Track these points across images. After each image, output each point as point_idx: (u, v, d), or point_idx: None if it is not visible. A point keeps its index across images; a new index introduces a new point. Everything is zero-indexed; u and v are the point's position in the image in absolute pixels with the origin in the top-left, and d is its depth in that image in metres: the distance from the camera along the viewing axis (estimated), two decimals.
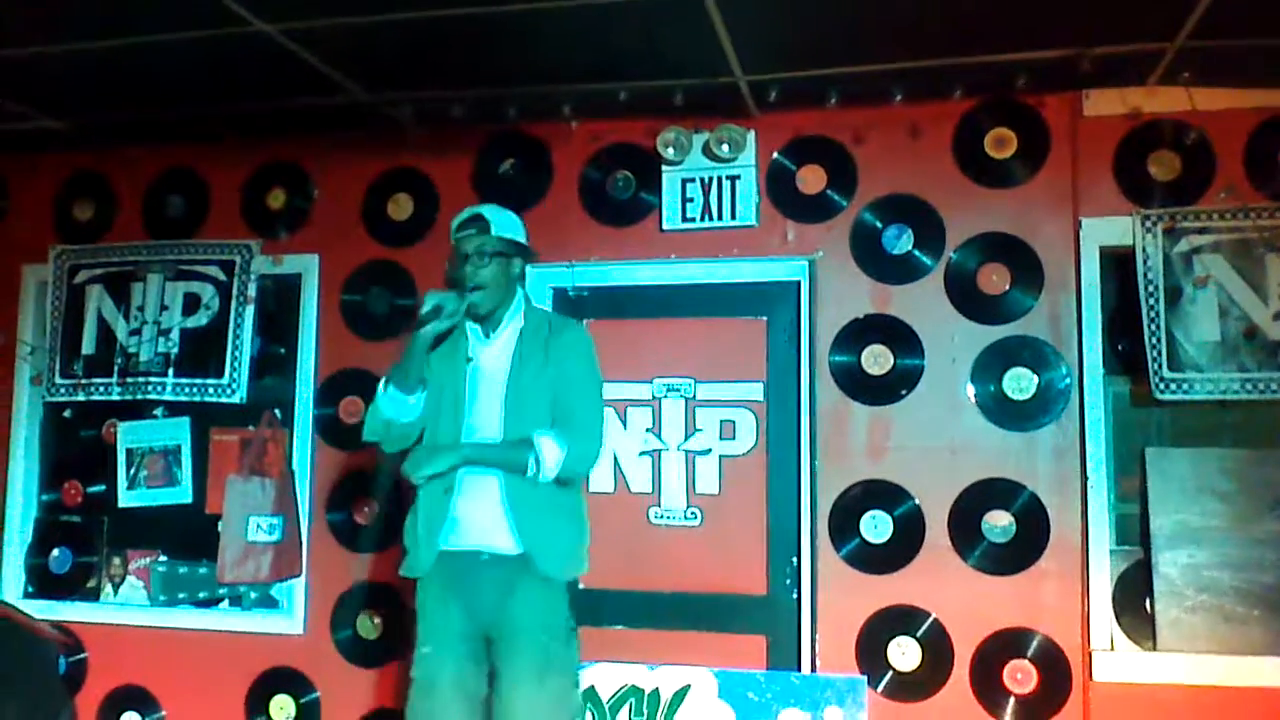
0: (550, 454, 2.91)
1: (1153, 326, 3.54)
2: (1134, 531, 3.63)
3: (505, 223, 3.12)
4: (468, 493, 2.98)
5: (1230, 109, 3.56)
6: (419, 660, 3.05)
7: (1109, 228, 3.63)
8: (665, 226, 3.95)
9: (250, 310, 4.26)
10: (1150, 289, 3.55)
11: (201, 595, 4.35)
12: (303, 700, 4.14)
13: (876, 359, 3.77)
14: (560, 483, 2.98)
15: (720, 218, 3.89)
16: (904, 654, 3.65)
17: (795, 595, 3.78)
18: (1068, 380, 3.62)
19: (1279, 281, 3.48)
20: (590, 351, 3.13)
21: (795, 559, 3.79)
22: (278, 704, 4.16)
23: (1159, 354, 3.52)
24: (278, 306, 4.35)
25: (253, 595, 4.27)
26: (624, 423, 3.98)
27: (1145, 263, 3.56)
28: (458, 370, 3.09)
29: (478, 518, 2.97)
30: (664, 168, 3.93)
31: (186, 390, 4.30)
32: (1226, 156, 3.57)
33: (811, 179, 3.87)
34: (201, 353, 4.29)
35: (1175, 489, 3.56)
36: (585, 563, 3.10)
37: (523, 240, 3.16)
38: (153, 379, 4.31)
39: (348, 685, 4.09)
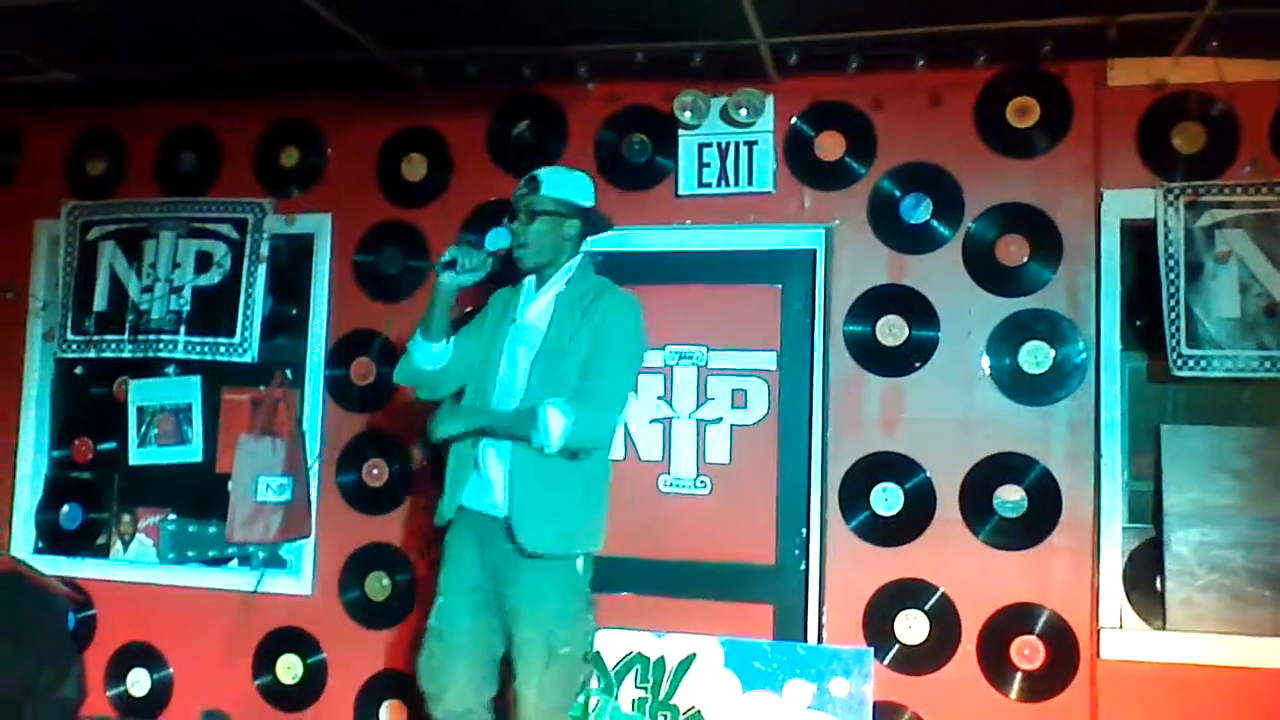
0: (555, 424, 2.87)
1: (1172, 302, 3.49)
2: (1146, 509, 3.60)
3: (559, 183, 3.13)
4: (490, 452, 3.02)
5: (1258, 81, 3.49)
6: (436, 609, 3.11)
7: (1130, 200, 3.57)
8: (681, 191, 3.90)
9: (262, 269, 4.24)
10: (1170, 264, 3.50)
11: (211, 554, 4.37)
12: (310, 661, 4.16)
13: (891, 329, 3.73)
14: (570, 454, 2.94)
15: (737, 183, 3.85)
16: (911, 627, 3.64)
17: (804, 566, 3.76)
18: (1084, 355, 3.57)
19: None
20: (630, 321, 3.08)
21: (804, 529, 3.77)
22: (285, 664, 4.18)
23: (1178, 330, 3.47)
24: (290, 266, 4.33)
25: (261, 555, 4.27)
26: (635, 390, 3.95)
27: (1166, 237, 3.51)
28: (504, 329, 3.13)
29: (493, 479, 3.01)
30: (680, 132, 3.88)
31: (198, 349, 4.29)
32: (1253, 129, 3.50)
33: (830, 145, 3.82)
34: (213, 311, 4.28)
35: (1190, 467, 3.52)
36: (596, 538, 3.07)
37: (582, 203, 3.15)
38: (164, 337, 4.30)
39: (355, 646, 4.11)
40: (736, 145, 3.85)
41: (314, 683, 4.14)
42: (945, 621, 3.61)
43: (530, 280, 3.19)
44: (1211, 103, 3.52)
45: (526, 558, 2.94)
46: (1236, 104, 3.51)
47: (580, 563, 3.05)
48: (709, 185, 3.87)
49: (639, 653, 3.66)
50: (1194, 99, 3.54)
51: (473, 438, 3.02)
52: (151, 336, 4.32)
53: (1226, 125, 3.52)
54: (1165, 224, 3.51)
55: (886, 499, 3.69)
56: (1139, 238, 3.59)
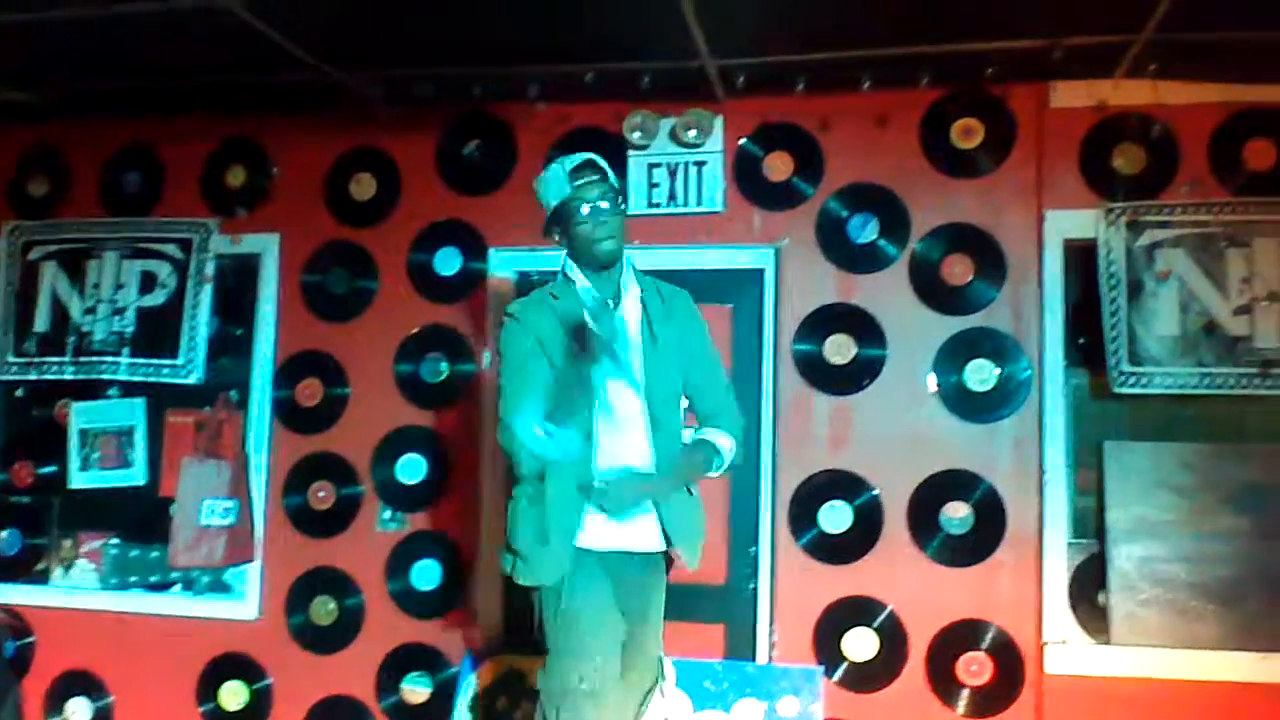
0: (728, 450, 2.82)
1: (1113, 320, 3.54)
2: (1090, 525, 3.63)
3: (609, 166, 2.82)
4: None
5: (1195, 103, 3.57)
6: (590, 670, 2.65)
7: (1072, 220, 3.63)
8: (630, 211, 3.88)
9: (208, 290, 4.20)
10: (1112, 282, 3.55)
11: (154, 579, 4.28)
12: (255, 687, 4.09)
13: (839, 348, 3.75)
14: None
15: (686, 203, 3.87)
16: (860, 644, 3.64)
17: (754, 585, 3.76)
18: (1028, 372, 3.62)
19: (1240, 277, 3.50)
20: (703, 321, 2.94)
21: (755, 548, 3.77)
22: (229, 690, 4.10)
23: (1119, 347, 3.52)
24: (236, 286, 4.28)
25: (205, 580, 4.21)
26: None
27: (1107, 256, 3.56)
28: (589, 360, 2.66)
29: (632, 514, 2.75)
30: (630, 152, 3.89)
31: (141, 370, 4.23)
32: (1191, 151, 3.57)
33: (778, 166, 3.84)
34: (157, 332, 4.22)
35: (1132, 483, 3.56)
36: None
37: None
38: (107, 359, 4.25)
39: (301, 672, 4.05)
40: (686, 165, 3.87)
41: (259, 709, 4.07)
42: (893, 639, 3.62)
43: (591, 284, 2.75)
44: (1151, 124, 3.59)
45: (654, 578, 2.86)
46: (1174, 125, 3.58)
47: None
48: (658, 205, 3.89)
49: None
50: (1134, 120, 3.61)
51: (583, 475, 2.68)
52: (94, 358, 4.26)
53: (1165, 146, 3.59)
54: (1106, 243, 3.57)
55: (835, 517, 3.70)
56: (1081, 257, 3.64)
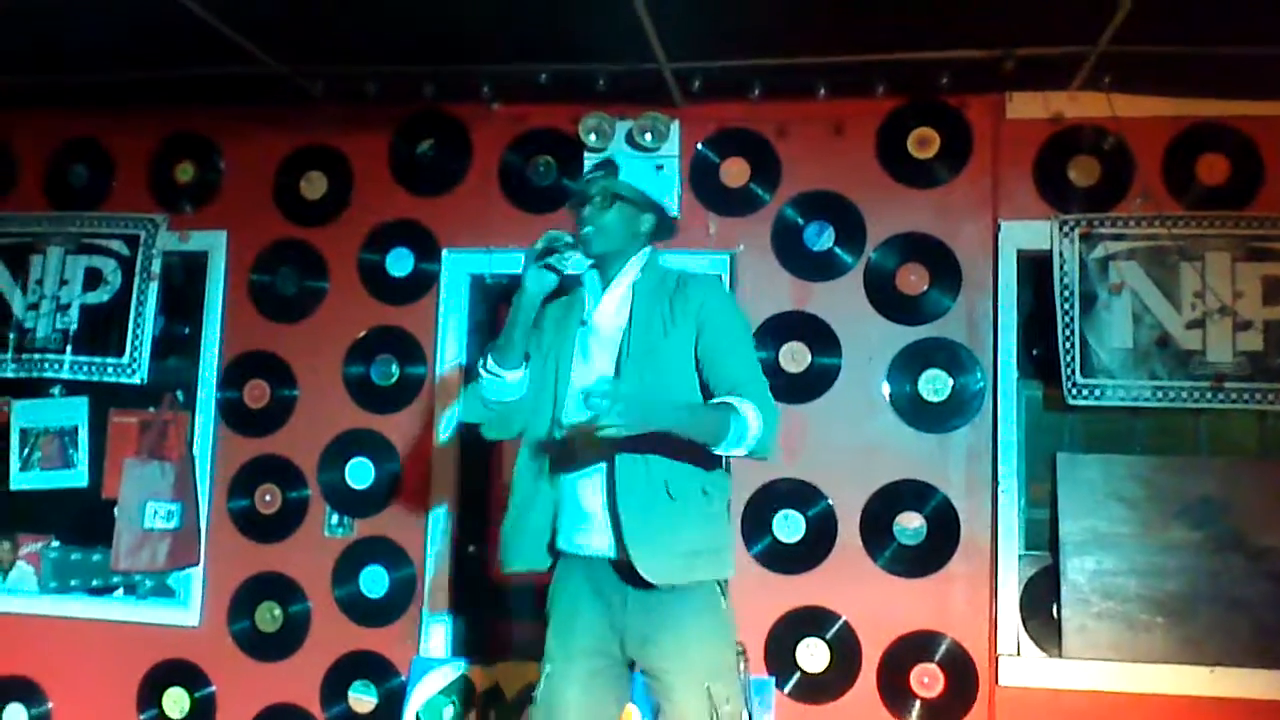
0: (754, 426, 2.41)
1: (1067, 332, 3.54)
2: (1043, 536, 3.62)
3: (639, 173, 2.74)
4: (585, 482, 2.57)
5: (1149, 117, 3.57)
6: (543, 679, 2.59)
7: (1027, 231, 3.62)
8: None
9: (154, 287, 4.10)
10: (1066, 294, 3.55)
11: (95, 583, 4.19)
12: (197, 694, 4.00)
13: (795, 356, 3.72)
14: (691, 464, 2.51)
15: None
16: (812, 655, 3.62)
17: None
18: (982, 383, 3.60)
19: (1192, 290, 3.50)
20: (735, 304, 2.70)
21: None
22: (171, 698, 4.01)
23: (1072, 359, 3.52)
24: (183, 284, 4.20)
25: (148, 584, 4.12)
26: None
27: (1062, 268, 3.56)
28: (570, 335, 2.66)
29: (591, 511, 2.57)
30: (586, 154, 3.84)
31: (85, 369, 4.13)
32: (1145, 164, 3.57)
33: (735, 172, 3.82)
34: (102, 330, 4.13)
35: (1085, 495, 3.56)
36: (729, 563, 2.63)
37: (659, 199, 2.74)
38: (50, 356, 4.14)
39: (245, 679, 3.97)
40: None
41: (202, 717, 3.98)
42: (846, 650, 3.60)
43: (591, 278, 2.69)
44: (1105, 137, 3.59)
45: (654, 597, 2.48)
46: (1129, 138, 3.58)
47: (722, 596, 2.57)
48: None
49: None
50: (1089, 133, 3.61)
51: (550, 468, 2.57)
52: (36, 355, 4.15)
53: (1119, 159, 3.59)
54: (1061, 255, 3.56)
55: (789, 526, 3.67)
56: (1035, 268, 3.64)
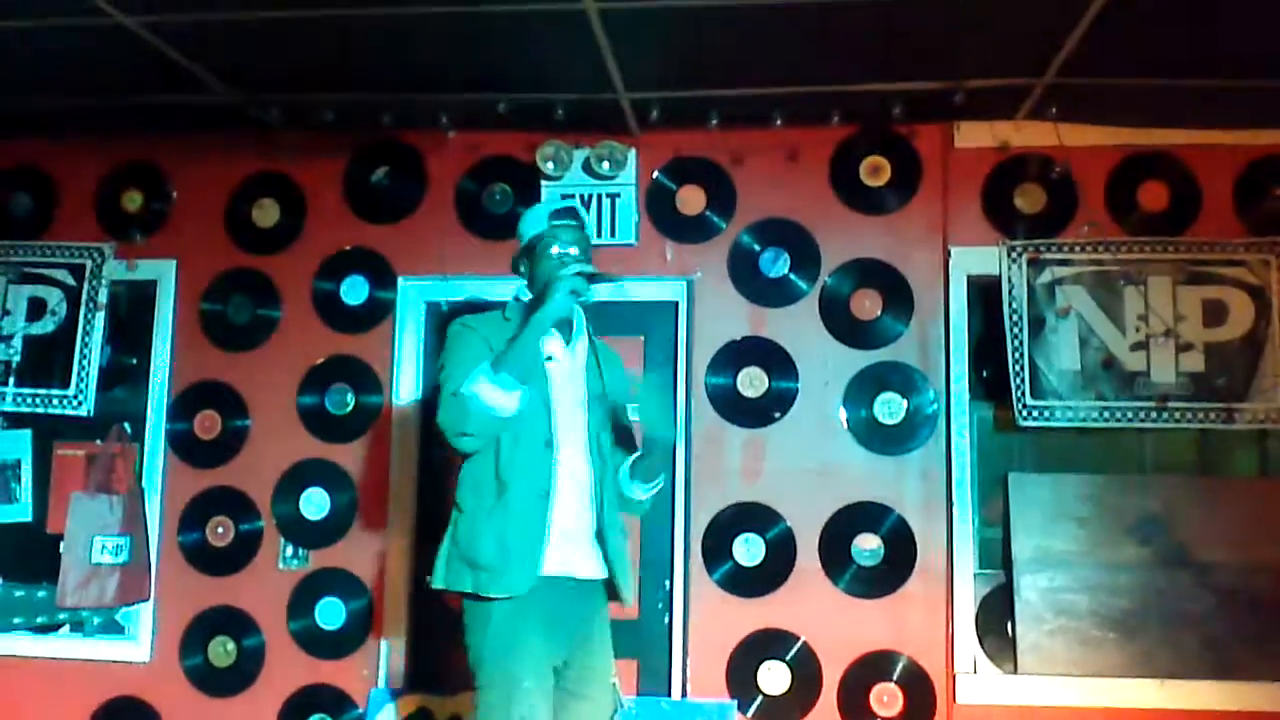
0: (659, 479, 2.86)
1: (1016, 354, 3.63)
2: (997, 555, 3.70)
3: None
4: (572, 509, 2.70)
5: (1094, 146, 3.69)
6: (519, 695, 2.57)
7: (977, 257, 3.71)
8: None
9: (101, 317, 4.03)
10: (1015, 318, 3.64)
11: (40, 620, 4.09)
12: None
13: (752, 381, 3.77)
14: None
15: (600, 235, 3.83)
16: (774, 677, 3.64)
17: (668, 619, 3.73)
18: (935, 406, 3.68)
19: (1136, 313, 3.62)
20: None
21: (668, 581, 3.74)
22: None
23: (1022, 381, 3.61)
24: (130, 314, 4.14)
25: (96, 620, 4.03)
26: None
27: (1010, 292, 3.65)
28: (541, 365, 2.71)
29: (576, 536, 2.71)
30: (543, 182, 3.86)
31: (28, 401, 4.05)
32: (1089, 191, 3.69)
33: (691, 199, 3.86)
34: (46, 361, 4.05)
35: (1036, 513, 3.64)
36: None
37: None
38: None
39: (197, 715, 3.89)
40: (599, 197, 3.85)
41: None
42: (806, 671, 3.63)
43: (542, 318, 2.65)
44: (1051, 165, 3.70)
45: (592, 609, 2.76)
46: (1074, 166, 3.69)
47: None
48: None
49: None
50: (1035, 161, 3.72)
51: (543, 490, 2.65)
52: None
53: (1065, 187, 3.71)
54: (1009, 280, 3.66)
55: (748, 549, 3.70)
56: (985, 293, 3.73)
